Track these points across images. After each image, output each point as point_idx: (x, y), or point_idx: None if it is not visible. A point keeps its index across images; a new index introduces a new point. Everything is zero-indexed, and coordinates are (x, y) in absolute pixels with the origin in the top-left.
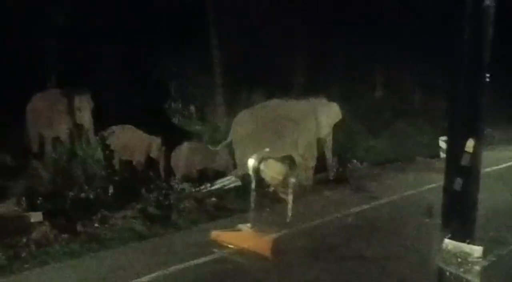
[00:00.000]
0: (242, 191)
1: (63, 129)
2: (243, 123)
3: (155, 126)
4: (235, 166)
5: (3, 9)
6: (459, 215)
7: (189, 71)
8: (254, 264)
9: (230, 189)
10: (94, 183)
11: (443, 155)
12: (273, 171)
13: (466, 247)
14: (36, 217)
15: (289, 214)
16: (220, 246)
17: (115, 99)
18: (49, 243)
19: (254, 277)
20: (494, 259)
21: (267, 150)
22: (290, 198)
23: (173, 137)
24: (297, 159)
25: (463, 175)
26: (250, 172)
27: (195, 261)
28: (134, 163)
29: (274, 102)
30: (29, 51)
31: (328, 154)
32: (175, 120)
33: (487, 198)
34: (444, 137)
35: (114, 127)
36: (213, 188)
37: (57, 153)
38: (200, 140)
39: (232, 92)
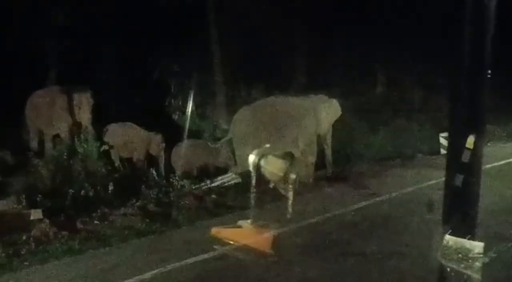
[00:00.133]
0: (242, 188)
1: (63, 127)
2: (243, 120)
3: (155, 124)
4: (235, 163)
5: (4, 7)
6: (460, 211)
7: (189, 69)
8: (254, 260)
9: (230, 186)
10: (94, 180)
11: (443, 151)
12: (273, 167)
13: (467, 243)
14: (36, 214)
15: (290, 210)
16: (221, 242)
17: (115, 96)
18: (49, 240)
19: (254, 274)
20: (494, 255)
21: (268, 146)
22: (290, 194)
23: (173, 134)
24: (297, 155)
25: (464, 171)
26: (251, 168)
27: (195, 258)
28: (134, 160)
29: (274, 99)
30: (29, 49)
31: (328, 151)
32: (175, 117)
33: (487, 194)
34: (444, 134)
35: (114, 125)
36: (213, 185)
37: (57, 150)
38: (200, 137)
39: (232, 90)
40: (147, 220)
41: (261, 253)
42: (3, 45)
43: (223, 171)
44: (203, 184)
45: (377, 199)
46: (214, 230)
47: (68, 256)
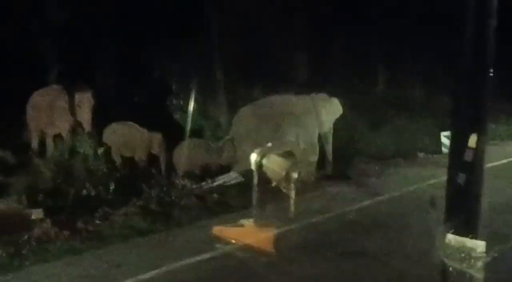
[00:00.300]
0: (243, 187)
1: (64, 126)
2: (244, 119)
3: (156, 123)
4: (236, 162)
5: (3, 5)
6: (462, 210)
7: (190, 68)
8: (256, 259)
9: (231, 185)
10: (95, 179)
11: (445, 150)
12: (275, 166)
13: (469, 242)
14: (37, 214)
15: (291, 209)
16: (223, 241)
17: (115, 96)
18: (50, 240)
19: (256, 273)
20: (496, 254)
21: (270, 144)
22: (292, 193)
23: (174, 133)
24: (299, 154)
25: (466, 170)
26: (252, 167)
27: (197, 257)
28: (135, 159)
29: (275, 98)
30: (28, 48)
31: (328, 150)
32: (176, 116)
33: (489, 193)
34: (446, 133)
35: (115, 124)
36: (214, 184)
37: (58, 149)
38: (202, 136)
39: (233, 88)
40: (149, 220)
41: (263, 252)
42: (3, 44)
43: (225, 170)
44: (204, 183)
45: (379, 198)
46: (216, 229)
47: (69, 256)
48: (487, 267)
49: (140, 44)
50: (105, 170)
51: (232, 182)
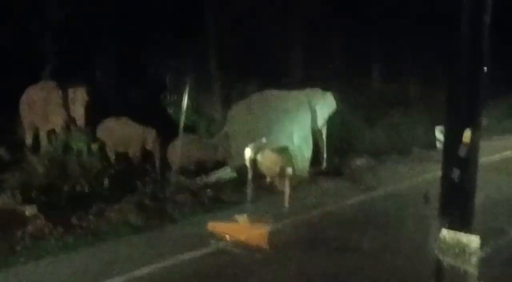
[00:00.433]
0: (238, 182)
1: (58, 122)
2: (238, 114)
3: (150, 119)
4: (231, 158)
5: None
6: (456, 205)
7: (184, 64)
8: (250, 255)
9: (226, 181)
10: (89, 175)
11: (439, 145)
12: (269, 162)
13: (463, 237)
14: (30, 210)
15: (286, 205)
16: (217, 237)
17: (110, 92)
18: (44, 236)
19: (250, 269)
20: (490, 250)
21: (264, 140)
22: (286, 189)
23: (168, 129)
24: (293, 149)
25: (460, 165)
26: (247, 163)
27: (191, 253)
28: (129, 155)
29: (269, 93)
30: (23, 44)
31: (322, 145)
32: (171, 112)
33: (483, 188)
34: (440, 127)
35: (109, 120)
36: (208, 180)
37: (52, 145)
38: (196, 132)
39: (227, 84)
40: (143, 216)
41: (257, 247)
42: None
43: (219, 166)
44: (198, 179)
45: (373, 193)
46: (210, 225)
47: (63, 252)
48: (482, 262)
49: (134, 41)
50: (99, 165)
51: (226, 177)
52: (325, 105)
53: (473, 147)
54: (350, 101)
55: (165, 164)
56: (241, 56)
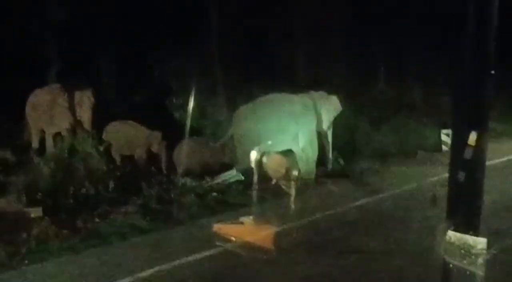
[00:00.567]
0: (243, 185)
1: (64, 125)
2: (244, 117)
3: (156, 122)
4: (236, 160)
5: (3, 3)
6: (463, 207)
7: (189, 66)
8: (256, 257)
9: (231, 184)
10: (95, 178)
11: (445, 148)
12: (275, 164)
13: (470, 239)
14: (36, 212)
15: (291, 207)
16: (223, 239)
17: (115, 94)
18: (49, 238)
19: (256, 271)
20: (496, 252)
21: (270, 142)
22: (292, 191)
23: (174, 132)
24: (298, 152)
25: (466, 168)
26: (252, 166)
27: (197, 255)
28: (135, 158)
29: (275, 96)
30: (29, 47)
31: (328, 147)
32: (176, 115)
33: (490, 190)
34: (446, 130)
35: (114, 123)
36: (214, 182)
37: (57, 148)
38: (202, 135)
39: (233, 87)
40: (149, 218)
41: (263, 249)
42: (3, 43)
43: (225, 168)
44: (204, 181)
45: (379, 195)
46: (216, 227)
47: (68, 255)
48: (488, 263)
49: (140, 43)
50: (105, 168)
51: (232, 180)
52: (330, 108)
53: (480, 150)
54: (356, 104)
55: (171, 167)
56: (247, 59)
